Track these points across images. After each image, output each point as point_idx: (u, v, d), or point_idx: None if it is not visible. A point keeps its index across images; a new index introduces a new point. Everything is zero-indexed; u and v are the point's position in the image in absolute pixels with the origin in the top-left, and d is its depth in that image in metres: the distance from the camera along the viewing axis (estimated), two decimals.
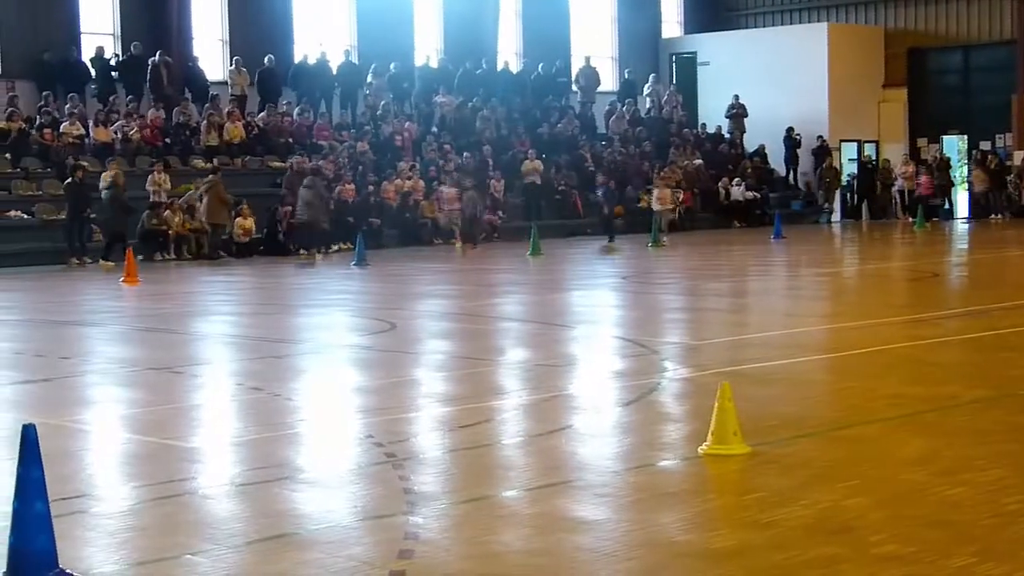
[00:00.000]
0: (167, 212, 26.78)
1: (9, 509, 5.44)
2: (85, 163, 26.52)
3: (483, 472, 7.59)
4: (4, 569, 5.41)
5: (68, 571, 5.47)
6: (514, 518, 6.55)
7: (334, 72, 33.41)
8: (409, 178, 30.76)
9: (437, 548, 6.01)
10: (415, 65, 35.82)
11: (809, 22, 41.13)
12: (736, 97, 39.42)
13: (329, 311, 16.98)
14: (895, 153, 39.30)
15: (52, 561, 5.41)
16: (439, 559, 5.84)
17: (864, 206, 39.35)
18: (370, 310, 17.20)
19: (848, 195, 39.80)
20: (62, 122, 28.38)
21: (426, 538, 6.10)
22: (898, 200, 38.13)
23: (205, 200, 26.87)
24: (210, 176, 27.40)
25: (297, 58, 33.34)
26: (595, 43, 40.33)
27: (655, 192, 32.44)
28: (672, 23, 43.10)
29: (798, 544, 5.83)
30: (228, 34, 32.93)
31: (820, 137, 38.74)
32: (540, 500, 6.80)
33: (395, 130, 32.87)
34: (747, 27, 42.60)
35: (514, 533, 6.26)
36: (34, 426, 5.48)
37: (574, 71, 38.96)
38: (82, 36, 30.49)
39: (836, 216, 38.88)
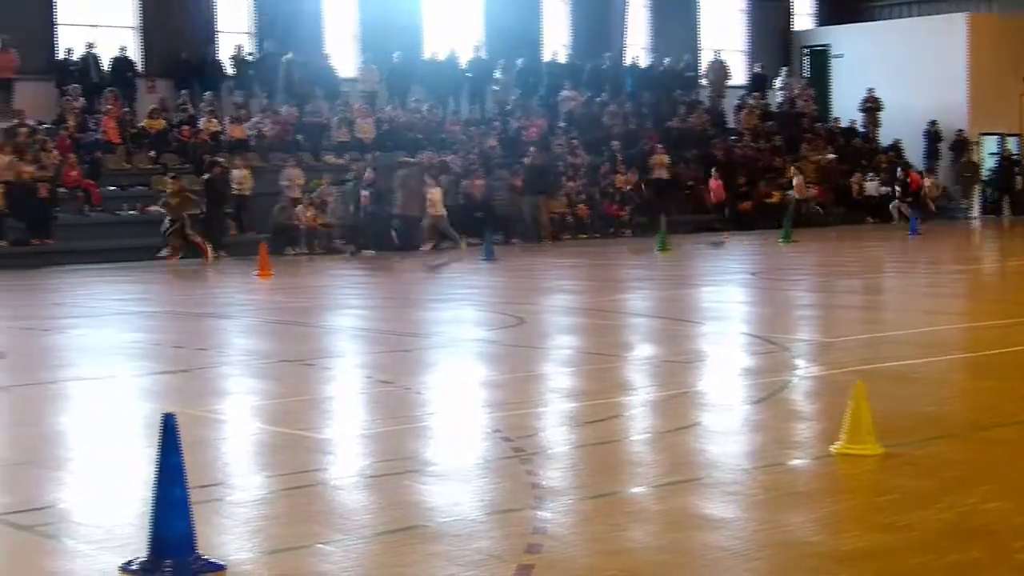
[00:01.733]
0: (299, 207, 27.22)
1: (150, 496, 5.59)
2: (222, 159, 27.12)
3: (611, 468, 7.58)
4: (146, 554, 5.56)
5: (206, 557, 5.61)
6: (642, 515, 6.54)
7: (463, 68, 33.65)
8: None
9: (565, 543, 6.01)
10: (543, 60, 35.89)
11: (947, 13, 40.23)
12: (870, 91, 38.75)
13: (457, 306, 17.10)
14: None
15: (191, 547, 5.55)
16: (567, 554, 5.85)
17: (1005, 201, 38.38)
18: (498, 305, 17.26)
19: (988, 190, 38.86)
20: (199, 119, 29.01)
21: (554, 533, 6.11)
22: None
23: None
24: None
25: (426, 54, 33.62)
26: (725, 36, 40.00)
27: (428, 193, 27.28)
28: (804, 15, 42.56)
29: (935, 548, 5.72)
30: (359, 31, 33.33)
31: (959, 131, 37.92)
32: (668, 497, 6.77)
33: (522, 125, 32.96)
34: (883, 18, 41.82)
35: (642, 530, 6.24)
36: (174, 415, 5.62)
37: (703, 65, 38.70)
38: (218, 35, 31.15)
39: (975, 212, 38.01)
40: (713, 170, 33.79)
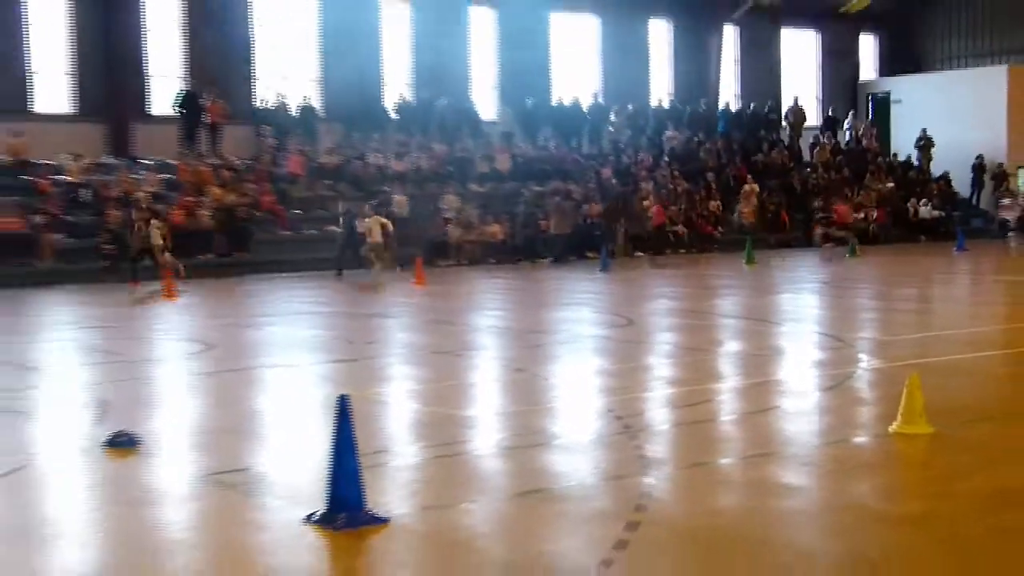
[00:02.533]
0: (449, 226, 27.46)
1: (328, 461, 5.71)
2: (387, 188, 27.49)
3: (704, 443, 7.53)
4: (324, 508, 5.68)
5: (373, 511, 5.70)
6: (730, 482, 6.50)
7: (584, 111, 33.72)
8: (646, 198, 30.64)
9: (666, 504, 6.01)
10: (650, 105, 35.81)
11: (991, 65, 39.19)
12: (924, 130, 38.08)
13: (578, 309, 17.08)
14: None
15: (361, 503, 5.66)
16: (668, 512, 5.85)
17: None
18: (612, 308, 17.22)
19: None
20: (367, 155, 29.46)
21: (657, 496, 6.11)
22: None
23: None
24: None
25: (554, 100, 33.75)
26: (802, 85, 39.53)
27: (366, 223, 23.37)
28: (869, 68, 41.89)
29: (978, 513, 5.59)
30: (498, 81, 33.56)
31: (1000, 164, 36.97)
32: (752, 467, 6.72)
33: (632, 160, 32.85)
34: (936, 70, 40.90)
35: (731, 494, 6.21)
36: (347, 396, 5.73)
37: (784, 109, 38.25)
38: (384, 85, 31.61)
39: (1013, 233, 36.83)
40: (651, 196, 29.93)
